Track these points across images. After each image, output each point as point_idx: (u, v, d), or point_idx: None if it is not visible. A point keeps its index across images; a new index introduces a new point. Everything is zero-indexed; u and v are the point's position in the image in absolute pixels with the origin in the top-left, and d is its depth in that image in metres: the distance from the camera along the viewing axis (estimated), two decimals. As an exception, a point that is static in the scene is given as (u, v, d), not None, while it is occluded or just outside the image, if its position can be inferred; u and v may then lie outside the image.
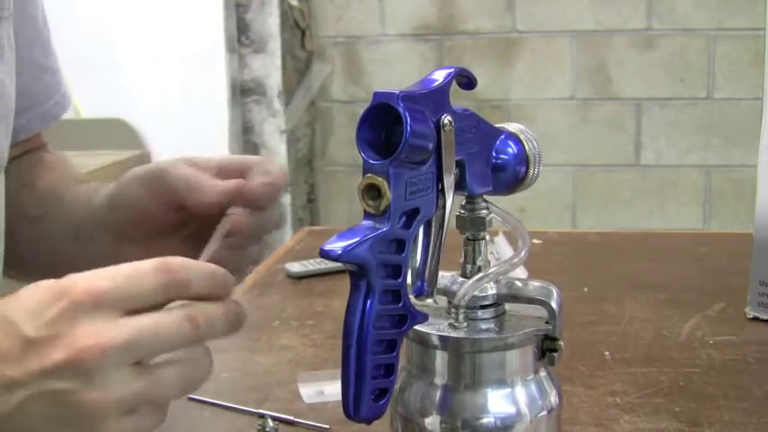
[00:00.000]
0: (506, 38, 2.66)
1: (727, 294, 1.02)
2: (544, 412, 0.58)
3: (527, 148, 0.60)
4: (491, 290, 0.59)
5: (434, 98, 0.54)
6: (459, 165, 0.56)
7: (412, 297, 0.55)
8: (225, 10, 2.51)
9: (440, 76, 0.55)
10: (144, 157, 2.37)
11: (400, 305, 0.54)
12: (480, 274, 0.58)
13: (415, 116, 0.51)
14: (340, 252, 0.51)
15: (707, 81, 2.60)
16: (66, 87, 0.87)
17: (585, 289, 1.07)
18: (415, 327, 0.56)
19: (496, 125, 0.60)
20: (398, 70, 2.68)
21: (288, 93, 2.62)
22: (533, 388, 0.58)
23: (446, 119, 0.54)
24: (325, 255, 0.51)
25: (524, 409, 0.57)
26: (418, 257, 0.56)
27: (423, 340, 0.57)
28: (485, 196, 0.60)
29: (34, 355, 0.47)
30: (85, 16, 2.38)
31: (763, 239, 0.96)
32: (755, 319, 0.96)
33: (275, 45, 2.59)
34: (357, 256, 0.51)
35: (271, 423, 0.74)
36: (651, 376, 0.83)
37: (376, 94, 0.52)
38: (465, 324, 0.58)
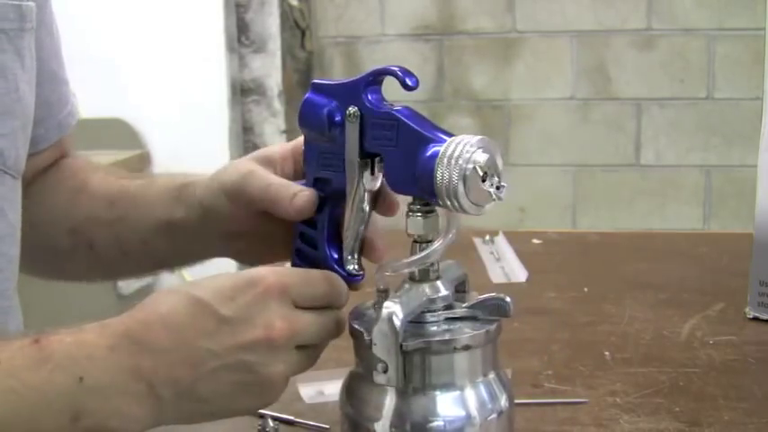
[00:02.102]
0: (506, 38, 2.66)
1: (727, 294, 1.02)
2: (494, 415, 0.58)
3: (437, 178, 0.56)
4: (443, 291, 0.59)
5: (346, 90, 0.62)
6: (379, 158, 0.61)
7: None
8: (225, 10, 2.51)
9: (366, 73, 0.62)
10: (144, 157, 2.37)
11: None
12: (408, 259, 0.60)
13: (312, 101, 0.64)
14: None
15: (707, 81, 2.60)
16: (74, 96, 0.89)
17: (585, 289, 1.07)
18: (364, 329, 0.59)
19: (457, 136, 0.58)
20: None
21: (287, 93, 2.62)
22: (483, 391, 0.58)
23: (351, 109, 0.62)
24: None
25: (474, 412, 0.57)
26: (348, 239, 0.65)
27: (371, 342, 0.57)
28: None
29: (230, 332, 0.57)
30: (85, 16, 2.38)
31: (763, 239, 0.96)
32: (755, 319, 0.96)
33: (275, 45, 2.59)
34: None
35: (271, 423, 0.74)
36: (651, 376, 0.83)
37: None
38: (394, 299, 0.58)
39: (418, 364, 0.57)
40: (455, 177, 0.55)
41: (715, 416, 0.75)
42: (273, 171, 0.70)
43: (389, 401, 0.57)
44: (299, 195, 0.66)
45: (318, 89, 0.64)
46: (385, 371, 0.57)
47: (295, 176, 0.70)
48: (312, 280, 0.62)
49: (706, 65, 2.59)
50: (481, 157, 0.55)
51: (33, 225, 0.82)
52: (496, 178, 0.56)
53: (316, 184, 0.66)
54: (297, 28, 2.69)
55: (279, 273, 0.60)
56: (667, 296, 1.04)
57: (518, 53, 2.67)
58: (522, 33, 2.66)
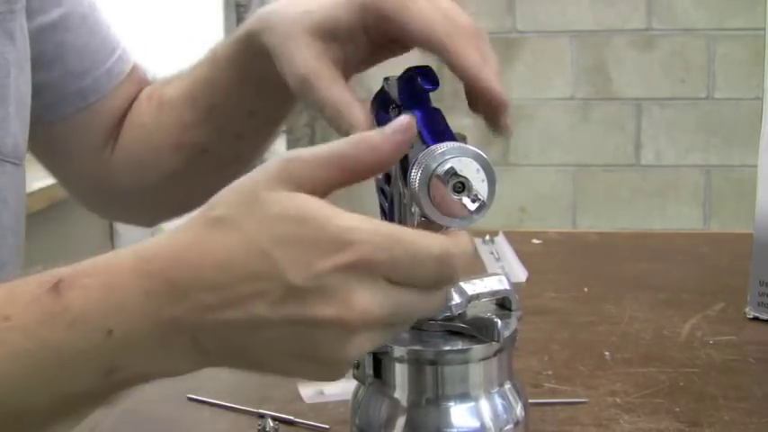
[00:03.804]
0: (506, 38, 2.66)
1: (727, 294, 1.02)
2: (509, 426, 0.56)
3: (409, 181, 0.53)
4: (456, 300, 0.57)
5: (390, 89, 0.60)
6: None
7: None
8: (225, 10, 2.51)
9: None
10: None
11: None
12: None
13: (373, 100, 0.61)
14: None
15: (707, 81, 2.60)
16: (124, 44, 0.85)
17: (585, 289, 1.07)
18: None
19: (445, 143, 0.54)
20: (398, 71, 2.68)
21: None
22: (498, 401, 0.57)
23: (391, 108, 0.60)
24: None
25: (489, 423, 0.56)
26: None
27: (383, 353, 0.56)
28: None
29: (295, 303, 0.46)
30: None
31: (763, 239, 0.96)
32: (755, 319, 0.96)
33: (275, 45, 2.59)
34: None
35: (271, 423, 0.74)
36: (651, 376, 0.83)
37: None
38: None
39: (431, 375, 0.56)
40: (418, 182, 0.52)
41: (715, 416, 0.75)
42: (337, 51, 0.60)
43: (401, 413, 0.56)
44: (353, 131, 0.57)
45: (382, 89, 0.62)
46: (357, 367, 0.57)
47: (364, 50, 0.61)
48: (421, 261, 0.47)
49: (706, 65, 2.59)
50: (456, 165, 0.52)
51: (140, 162, 0.80)
52: (474, 192, 0.52)
53: None
54: (297, 28, 2.69)
55: (378, 244, 0.46)
56: (667, 296, 1.04)
57: (518, 53, 2.67)
58: (522, 33, 2.66)
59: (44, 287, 0.48)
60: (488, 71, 0.58)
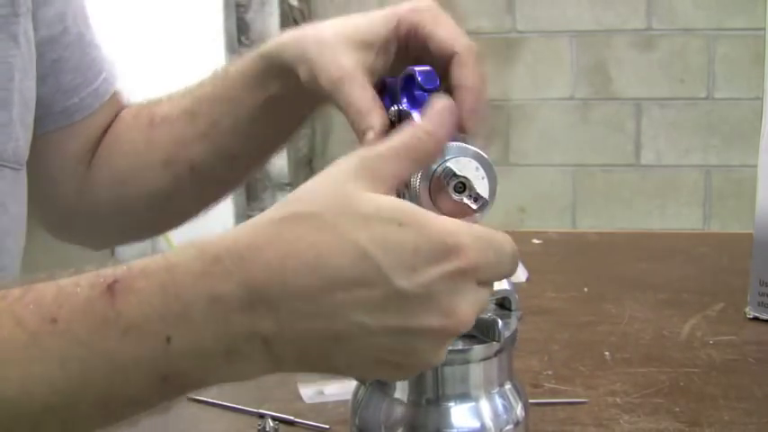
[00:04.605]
0: (506, 38, 2.66)
1: (727, 294, 1.02)
2: (510, 426, 0.56)
3: (410, 181, 0.54)
4: None
5: (394, 88, 0.61)
6: None
7: None
8: (225, 10, 2.51)
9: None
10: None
11: None
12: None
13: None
14: None
15: (707, 81, 2.60)
16: (111, 64, 0.86)
17: (585, 289, 1.07)
18: None
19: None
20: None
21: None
22: (498, 401, 0.56)
23: (392, 109, 0.60)
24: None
25: (489, 423, 0.55)
26: None
27: None
28: None
29: (397, 311, 0.44)
30: (85, 16, 2.38)
31: (763, 239, 0.96)
32: (755, 319, 0.96)
33: (275, 45, 2.59)
34: None
35: (271, 423, 0.74)
36: (651, 376, 0.83)
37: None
38: None
39: (431, 375, 0.56)
40: (419, 184, 0.53)
41: (715, 416, 0.75)
42: (372, 59, 0.63)
43: (402, 413, 0.56)
44: (367, 137, 0.59)
45: (385, 85, 0.64)
46: None
47: (396, 59, 0.64)
48: (505, 261, 0.48)
49: (706, 65, 2.59)
50: (455, 165, 0.52)
51: (123, 180, 0.80)
52: (474, 191, 0.52)
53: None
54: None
55: (479, 248, 0.46)
56: (667, 296, 1.04)
57: (518, 53, 2.67)
58: (522, 33, 2.66)
59: (97, 289, 0.45)
60: (485, 91, 0.61)
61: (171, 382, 0.45)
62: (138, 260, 0.46)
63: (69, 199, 0.83)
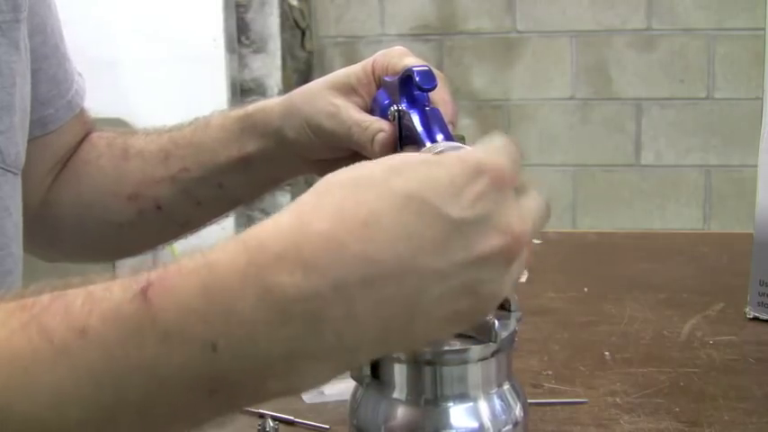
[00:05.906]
0: (506, 38, 2.66)
1: (727, 294, 1.02)
2: (508, 426, 0.56)
3: None
4: None
5: (394, 88, 0.65)
6: None
7: None
8: (225, 10, 2.51)
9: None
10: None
11: None
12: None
13: (376, 98, 0.68)
14: None
15: (707, 81, 2.60)
16: (81, 78, 0.87)
17: (585, 289, 1.07)
18: None
19: (442, 143, 0.59)
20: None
21: (287, 93, 2.62)
22: (496, 402, 0.56)
23: (392, 108, 0.64)
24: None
25: (487, 423, 0.55)
26: None
27: None
28: None
29: (462, 242, 0.41)
30: (85, 16, 2.38)
31: (763, 239, 0.96)
32: (755, 319, 0.96)
33: (275, 45, 2.59)
34: None
35: (271, 423, 0.74)
36: (651, 376, 0.83)
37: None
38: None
39: (429, 375, 0.56)
40: None
41: (715, 416, 0.75)
42: (356, 99, 0.69)
43: (400, 413, 0.56)
44: (378, 137, 0.64)
45: (384, 85, 0.68)
46: None
47: (375, 94, 0.70)
48: (510, 149, 0.45)
49: (706, 65, 2.59)
50: None
51: (87, 204, 0.81)
52: None
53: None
54: (297, 28, 2.69)
55: (492, 158, 0.43)
56: (667, 296, 1.04)
57: (518, 53, 2.67)
58: (522, 33, 2.66)
59: (129, 293, 0.40)
60: (455, 112, 0.66)
61: (220, 396, 0.40)
62: (176, 260, 0.41)
63: (32, 209, 0.82)
